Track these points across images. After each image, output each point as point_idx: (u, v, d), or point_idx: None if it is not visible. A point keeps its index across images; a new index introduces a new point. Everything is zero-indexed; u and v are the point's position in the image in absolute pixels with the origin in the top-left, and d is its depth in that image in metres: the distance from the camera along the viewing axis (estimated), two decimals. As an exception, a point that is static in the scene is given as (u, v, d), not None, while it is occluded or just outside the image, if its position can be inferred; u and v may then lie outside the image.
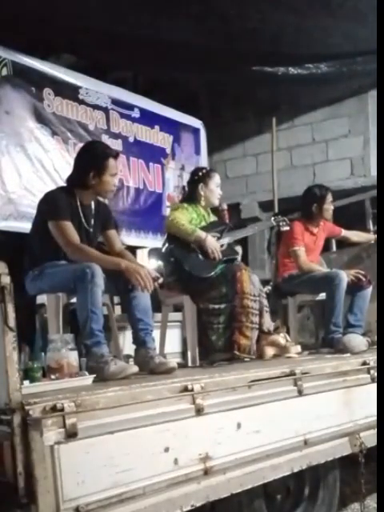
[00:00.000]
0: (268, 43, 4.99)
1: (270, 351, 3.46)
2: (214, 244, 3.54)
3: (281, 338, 3.52)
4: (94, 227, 3.13)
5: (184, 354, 4.04)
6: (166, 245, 3.64)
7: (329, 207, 4.37)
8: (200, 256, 3.52)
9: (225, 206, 3.96)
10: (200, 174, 3.79)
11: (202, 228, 3.60)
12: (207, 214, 3.79)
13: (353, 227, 4.82)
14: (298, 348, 3.61)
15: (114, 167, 3.08)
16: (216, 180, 3.76)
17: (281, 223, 4.12)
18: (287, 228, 4.15)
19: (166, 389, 2.20)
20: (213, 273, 3.46)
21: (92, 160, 3.08)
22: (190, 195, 3.78)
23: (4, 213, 4.15)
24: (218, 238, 3.65)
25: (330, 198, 4.37)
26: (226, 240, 3.71)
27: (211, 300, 3.44)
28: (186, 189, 3.93)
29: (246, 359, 3.34)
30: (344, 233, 4.67)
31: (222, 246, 3.63)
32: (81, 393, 1.98)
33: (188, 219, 3.58)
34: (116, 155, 3.16)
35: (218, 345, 3.39)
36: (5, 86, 4.23)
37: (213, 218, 3.84)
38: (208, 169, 3.94)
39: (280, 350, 3.50)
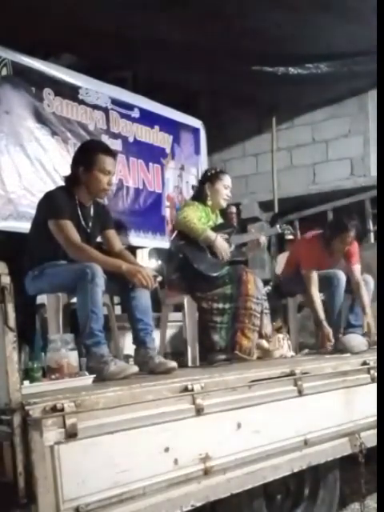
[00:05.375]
0: (268, 43, 4.99)
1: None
2: (224, 245, 3.55)
3: (264, 342, 3.55)
4: (92, 228, 3.12)
5: (184, 353, 4.04)
6: (175, 241, 3.63)
7: (342, 246, 4.08)
8: (209, 255, 3.53)
9: (233, 210, 3.99)
10: (208, 174, 3.80)
11: (211, 229, 3.60)
12: (215, 216, 3.79)
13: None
14: (283, 351, 3.65)
15: (104, 163, 3.04)
16: (225, 182, 3.74)
17: (286, 231, 4.18)
18: (291, 237, 4.20)
19: (165, 389, 2.20)
20: (219, 272, 3.47)
21: (81, 154, 3.11)
22: (199, 194, 3.79)
23: (4, 213, 4.13)
24: (227, 240, 3.66)
25: (350, 236, 4.03)
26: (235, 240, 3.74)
27: (215, 300, 3.44)
28: (197, 187, 3.97)
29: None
30: (354, 267, 4.17)
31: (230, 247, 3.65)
32: (81, 393, 1.98)
33: (198, 217, 3.57)
34: (109, 152, 3.13)
35: (219, 344, 3.39)
36: (5, 86, 4.22)
37: (220, 220, 3.86)
38: (218, 170, 3.92)
39: (263, 353, 3.55)
